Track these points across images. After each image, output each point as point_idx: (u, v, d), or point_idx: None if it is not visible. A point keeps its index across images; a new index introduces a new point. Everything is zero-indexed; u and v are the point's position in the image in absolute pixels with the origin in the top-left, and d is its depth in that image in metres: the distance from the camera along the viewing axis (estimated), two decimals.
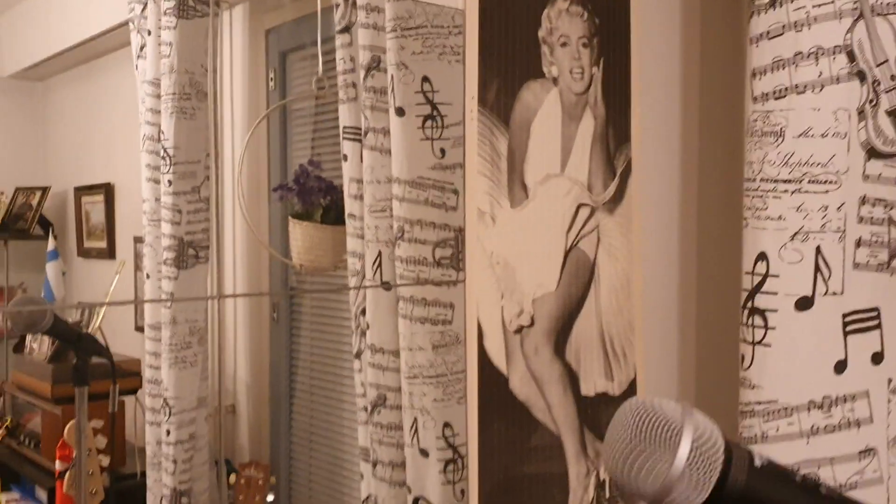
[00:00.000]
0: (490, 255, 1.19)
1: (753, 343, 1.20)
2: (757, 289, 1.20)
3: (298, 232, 1.97)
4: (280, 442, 2.39)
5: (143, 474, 2.20)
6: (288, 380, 2.37)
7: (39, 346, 2.40)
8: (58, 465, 2.02)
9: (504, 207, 1.20)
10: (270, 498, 2.03)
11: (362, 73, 1.57)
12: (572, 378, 1.30)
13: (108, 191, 2.65)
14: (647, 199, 1.44)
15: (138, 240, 2.53)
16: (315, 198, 1.88)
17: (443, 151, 1.52)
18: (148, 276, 2.09)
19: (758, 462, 0.52)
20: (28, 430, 2.33)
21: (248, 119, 2.26)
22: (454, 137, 1.52)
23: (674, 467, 0.51)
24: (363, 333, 1.67)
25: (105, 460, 1.93)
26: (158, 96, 1.98)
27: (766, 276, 1.18)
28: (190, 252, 1.99)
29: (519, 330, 1.24)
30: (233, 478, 2.01)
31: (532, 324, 1.25)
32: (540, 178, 1.23)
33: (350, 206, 1.67)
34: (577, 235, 1.28)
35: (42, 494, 2.35)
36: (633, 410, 0.54)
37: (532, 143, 1.22)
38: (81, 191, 2.76)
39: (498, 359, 1.21)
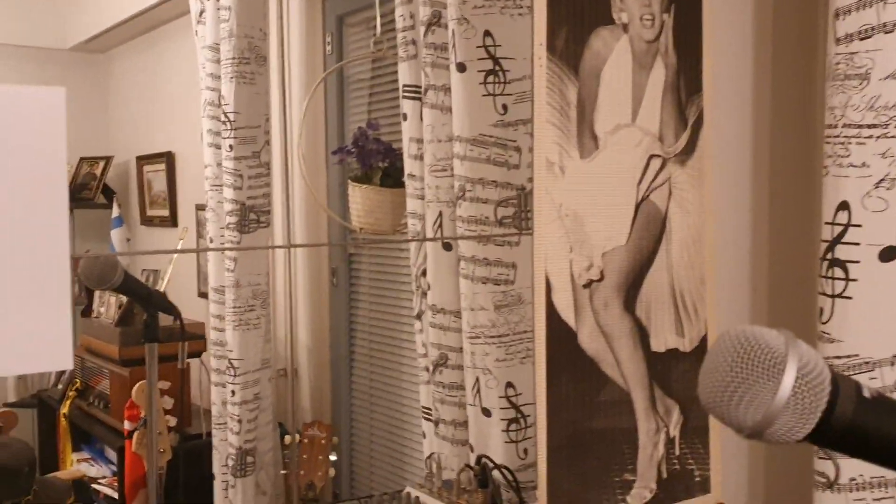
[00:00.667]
0: (559, 208, 1.17)
1: (833, 296, 1.16)
2: (837, 239, 1.15)
3: (358, 195, 1.97)
4: (341, 403, 2.42)
5: (209, 434, 2.25)
6: (348, 343, 2.39)
7: (107, 310, 2.46)
8: (126, 425, 2.08)
9: (573, 158, 1.17)
10: (333, 457, 2.05)
11: (422, 30, 1.55)
12: (642, 334, 1.27)
13: (169, 159, 2.70)
14: (719, 150, 1.40)
15: (200, 207, 2.57)
16: (374, 160, 1.87)
17: (505, 108, 1.50)
18: (211, 241, 2.12)
19: (867, 393, 0.50)
20: (97, 392, 2.40)
21: (305, 83, 2.27)
22: (517, 93, 1.49)
23: (777, 398, 0.49)
24: (424, 294, 1.67)
25: (172, 420, 1.98)
26: (218, 61, 1.99)
27: (847, 225, 1.14)
28: (251, 216, 2.01)
29: (588, 284, 1.22)
30: (288, 439, 2.05)
31: (601, 278, 1.23)
32: (610, 128, 1.20)
33: (410, 166, 1.66)
34: (648, 188, 1.25)
35: (111, 454, 2.43)
36: (734, 339, 0.52)
37: (602, 91, 1.19)
38: (143, 160, 2.82)
39: (566, 313, 1.19)
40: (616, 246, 1.22)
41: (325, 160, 2.33)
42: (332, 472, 2.01)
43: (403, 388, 2.12)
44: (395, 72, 1.93)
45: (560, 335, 1.19)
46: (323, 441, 2.03)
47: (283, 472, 1.94)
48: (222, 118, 1.98)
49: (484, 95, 1.49)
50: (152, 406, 1.43)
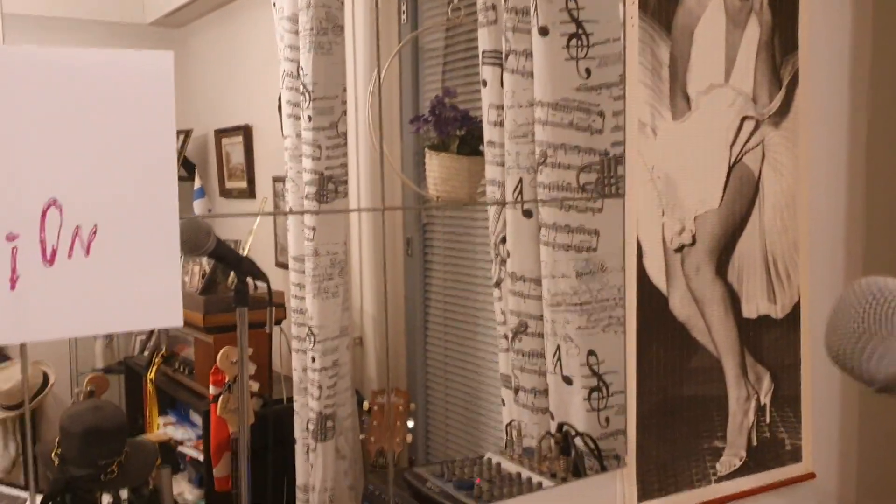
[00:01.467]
0: (651, 170, 1.15)
1: None
2: None
3: (435, 163, 1.98)
4: (416, 371, 2.45)
5: (290, 399, 2.31)
6: (422, 311, 2.41)
7: (190, 279, 2.53)
8: (211, 390, 2.14)
9: (665, 119, 1.15)
10: (411, 424, 2.08)
11: None
12: (734, 299, 1.25)
13: (246, 132, 2.74)
14: (814, 111, 1.35)
15: (277, 179, 2.61)
16: (451, 128, 1.87)
17: (588, 72, 1.48)
18: (290, 209, 2.15)
19: None
20: (182, 359, 2.48)
21: (379, 53, 2.27)
22: (600, 56, 1.47)
23: None
24: (503, 262, 1.67)
25: (255, 385, 2.03)
26: (296, 32, 2.01)
27: None
28: (330, 187, 2.04)
29: (680, 249, 1.20)
30: (365, 405, 2.07)
31: (693, 242, 1.20)
32: (703, 87, 1.17)
33: (489, 133, 1.65)
34: (742, 150, 1.22)
35: (196, 417, 2.51)
36: (864, 292, 0.50)
37: (695, 50, 1.16)
38: (221, 133, 2.87)
39: (658, 278, 1.17)
40: (708, 209, 1.19)
41: (399, 129, 2.34)
42: (409, 438, 2.04)
43: (479, 356, 2.13)
44: (470, 39, 1.92)
45: (651, 300, 1.18)
46: (400, 407, 2.05)
47: (361, 437, 1.97)
48: (301, 89, 2.00)
49: (567, 59, 1.47)
50: (243, 370, 1.47)
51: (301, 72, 1.98)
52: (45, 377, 2.73)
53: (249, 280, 1.51)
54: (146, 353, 2.68)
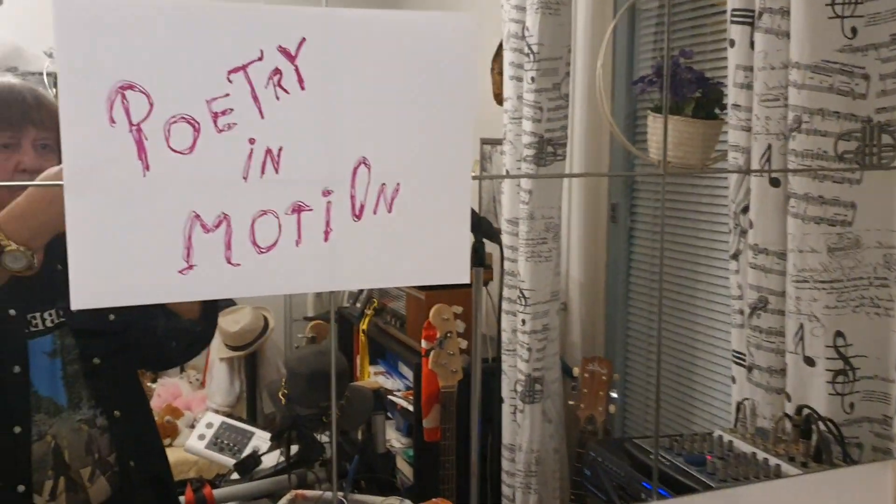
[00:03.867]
0: None
1: None
2: None
3: (662, 127, 1.91)
4: (616, 341, 2.41)
5: (495, 360, 2.35)
6: (626, 280, 2.36)
7: None
8: (423, 345, 2.21)
9: None
10: (614, 394, 2.05)
11: None
12: None
13: None
14: None
15: (484, 141, 2.64)
16: (686, 90, 1.79)
17: (854, 31, 1.36)
18: (507, 172, 2.17)
19: None
20: (392, 312, 2.59)
21: (597, 13, 2.21)
22: (869, 14, 1.34)
23: None
24: (743, 233, 1.59)
25: (463, 343, 2.08)
26: None
27: None
28: (549, 149, 2.03)
29: None
30: (576, 370, 2.06)
31: None
32: None
33: (735, 95, 1.57)
34: None
35: (404, 370, 2.62)
36: None
37: None
38: None
39: None
40: None
41: (612, 92, 2.28)
42: (612, 408, 2.01)
43: (696, 329, 2.05)
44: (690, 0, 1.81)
45: None
46: (604, 377, 2.04)
47: (570, 402, 1.97)
48: (525, 50, 1.99)
49: (830, 18, 1.36)
50: (476, 328, 1.50)
51: (526, 32, 1.97)
52: (266, 322, 2.96)
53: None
54: (358, 305, 2.83)
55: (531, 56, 1.97)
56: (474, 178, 0.88)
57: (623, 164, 2.34)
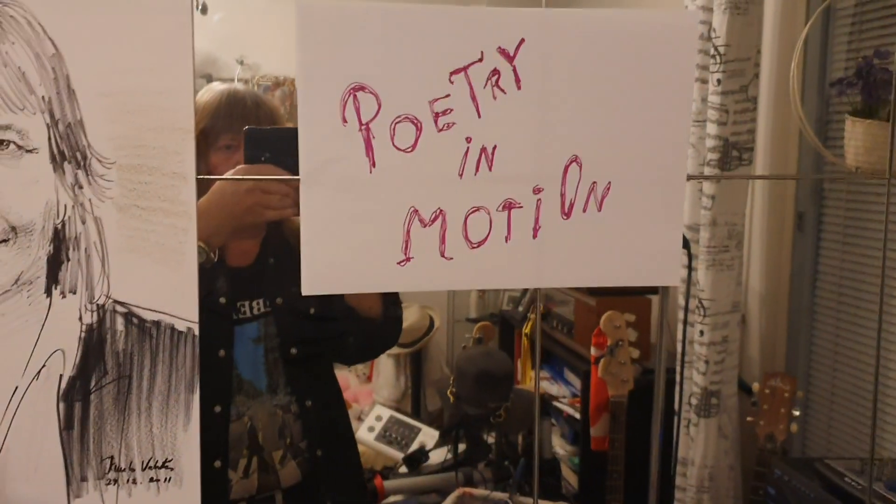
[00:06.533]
0: None
1: None
2: None
3: (859, 131, 1.79)
4: (798, 356, 2.27)
5: (668, 370, 2.28)
6: (811, 292, 2.23)
7: None
8: (593, 351, 2.18)
9: None
10: (797, 412, 1.94)
11: None
12: None
13: None
14: None
15: None
16: (881, 92, 1.67)
17: None
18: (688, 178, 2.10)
19: None
20: (558, 316, 2.57)
21: (787, 12, 2.11)
22: None
23: None
24: None
25: (635, 353, 2.03)
26: None
27: None
28: (733, 153, 1.95)
29: None
30: (756, 386, 1.97)
31: None
32: None
33: None
34: None
35: (570, 376, 2.60)
36: None
37: None
38: None
39: None
40: None
41: (801, 93, 2.15)
42: (794, 427, 1.90)
43: (884, 347, 1.91)
44: None
45: None
46: (786, 394, 1.93)
47: (749, 418, 1.88)
48: (711, 51, 1.92)
49: None
50: (662, 335, 1.46)
51: (713, 33, 1.90)
52: (431, 321, 3.03)
53: None
54: (520, 309, 2.84)
55: (717, 58, 1.90)
56: (689, 178, 0.86)
57: (811, 170, 2.21)
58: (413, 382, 2.97)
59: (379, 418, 2.49)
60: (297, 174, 0.80)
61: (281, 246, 1.33)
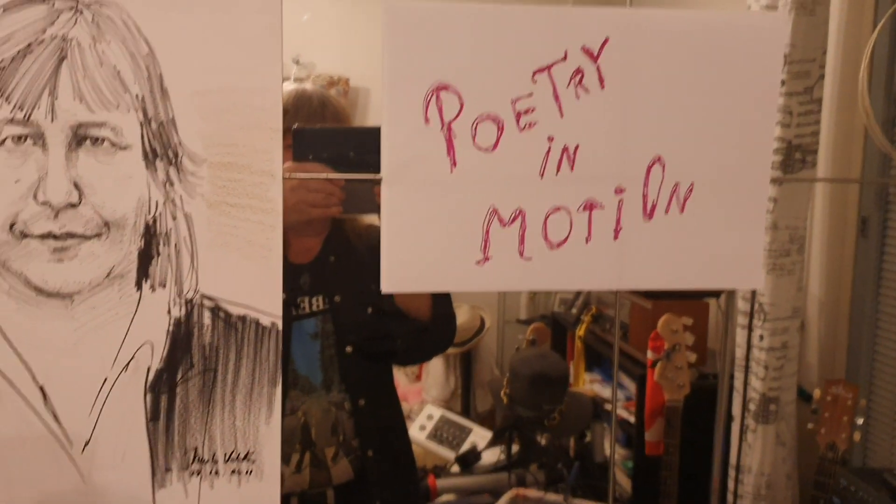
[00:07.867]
0: None
1: None
2: None
3: None
4: (859, 364, 2.22)
5: (729, 376, 2.24)
6: (875, 299, 2.17)
7: None
8: (649, 355, 2.16)
9: None
10: (860, 421, 1.89)
11: None
12: None
13: None
14: None
15: None
16: None
17: None
18: None
19: None
20: (611, 319, 2.55)
21: (854, 12, 2.06)
22: None
23: None
24: None
25: (692, 357, 2.00)
26: None
27: None
28: (797, 156, 1.91)
29: None
30: (817, 393, 1.92)
31: None
32: None
33: None
34: None
35: (624, 379, 2.58)
36: None
37: None
38: None
39: None
40: None
41: (868, 96, 2.10)
42: (856, 436, 1.86)
43: None
44: None
45: None
46: (849, 402, 1.88)
47: (809, 426, 1.85)
48: None
49: None
50: (726, 340, 1.44)
51: None
52: (482, 322, 3.03)
53: None
54: (573, 311, 2.82)
55: (783, 58, 1.87)
56: (772, 181, 0.85)
57: (876, 174, 2.16)
58: (462, 382, 2.97)
59: (430, 417, 2.50)
60: (344, 173, 0.81)
61: (342, 244, 1.34)
